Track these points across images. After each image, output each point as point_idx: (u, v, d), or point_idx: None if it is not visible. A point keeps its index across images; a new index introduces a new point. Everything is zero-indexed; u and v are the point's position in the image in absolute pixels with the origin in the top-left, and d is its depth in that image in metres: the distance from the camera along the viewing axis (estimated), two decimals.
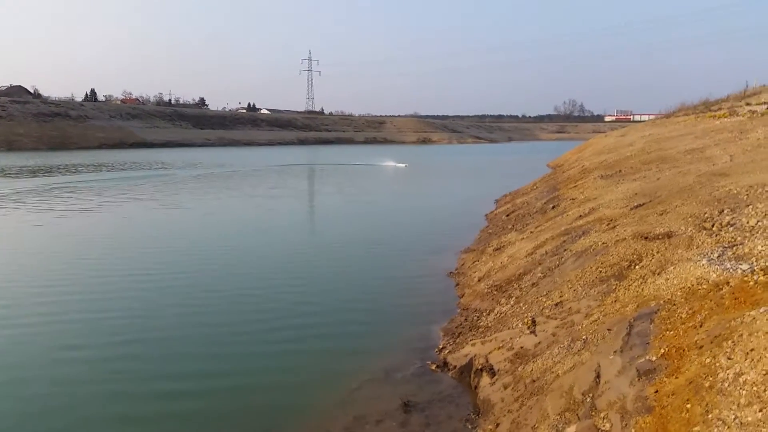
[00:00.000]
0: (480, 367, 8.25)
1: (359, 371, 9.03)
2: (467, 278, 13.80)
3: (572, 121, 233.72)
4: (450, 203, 30.60)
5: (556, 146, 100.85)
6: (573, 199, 17.89)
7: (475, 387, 8.09)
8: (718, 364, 4.73)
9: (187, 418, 7.86)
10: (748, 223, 8.67)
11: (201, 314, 11.84)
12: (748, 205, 9.67)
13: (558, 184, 25.01)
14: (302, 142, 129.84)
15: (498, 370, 7.91)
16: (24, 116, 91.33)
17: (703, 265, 7.18)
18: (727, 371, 4.57)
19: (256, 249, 18.34)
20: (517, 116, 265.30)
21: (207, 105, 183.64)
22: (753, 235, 8.00)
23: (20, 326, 11.04)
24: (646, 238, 9.56)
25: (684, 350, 5.33)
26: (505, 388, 7.34)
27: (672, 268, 7.66)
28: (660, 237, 9.36)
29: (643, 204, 12.69)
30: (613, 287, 8.23)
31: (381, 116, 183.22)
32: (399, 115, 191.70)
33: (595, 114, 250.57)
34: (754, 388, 4.22)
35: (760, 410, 4.00)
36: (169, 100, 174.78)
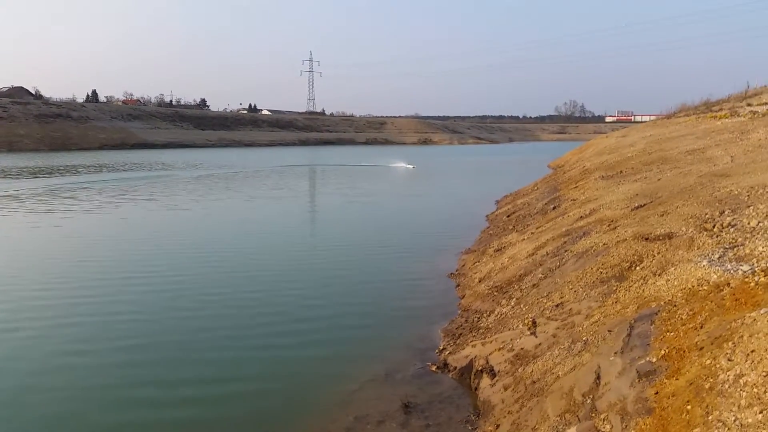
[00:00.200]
0: (480, 368, 8.25)
1: (359, 372, 9.03)
2: (468, 279, 13.79)
3: (573, 121, 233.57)
4: (451, 204, 30.60)
5: (556, 147, 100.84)
6: (574, 199, 17.88)
7: (476, 388, 8.08)
8: (718, 366, 4.72)
9: (188, 418, 7.86)
10: (749, 224, 8.65)
11: (201, 315, 11.83)
12: (749, 206, 9.66)
13: (559, 184, 25.00)
14: (303, 142, 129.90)
15: (498, 371, 7.90)
16: (25, 117, 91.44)
17: (703, 266, 7.17)
18: (728, 373, 4.56)
19: (257, 250, 18.33)
20: (518, 117, 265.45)
21: (208, 106, 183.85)
22: (754, 236, 7.99)
23: (17, 330, 10.97)
24: (646, 239, 9.55)
25: (684, 351, 5.32)
26: (506, 389, 7.33)
27: (673, 269, 7.65)
28: (661, 238, 9.35)
29: (644, 205, 12.68)
30: (614, 288, 8.22)
31: (382, 117, 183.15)
32: (400, 116, 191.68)
33: (596, 115, 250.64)
34: (755, 390, 4.21)
35: (761, 412, 3.99)
36: (171, 101, 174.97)
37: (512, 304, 10.22)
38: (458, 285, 13.71)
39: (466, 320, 10.77)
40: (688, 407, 4.49)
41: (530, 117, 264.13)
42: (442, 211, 27.95)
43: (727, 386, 4.43)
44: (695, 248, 8.29)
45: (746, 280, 6.25)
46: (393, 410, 7.74)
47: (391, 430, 7.30)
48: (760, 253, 7.01)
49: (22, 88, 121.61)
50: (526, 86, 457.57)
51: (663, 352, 5.53)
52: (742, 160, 15.12)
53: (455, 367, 8.81)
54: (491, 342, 8.80)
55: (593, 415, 5.45)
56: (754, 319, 5.10)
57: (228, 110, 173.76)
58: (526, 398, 6.72)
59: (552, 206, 18.84)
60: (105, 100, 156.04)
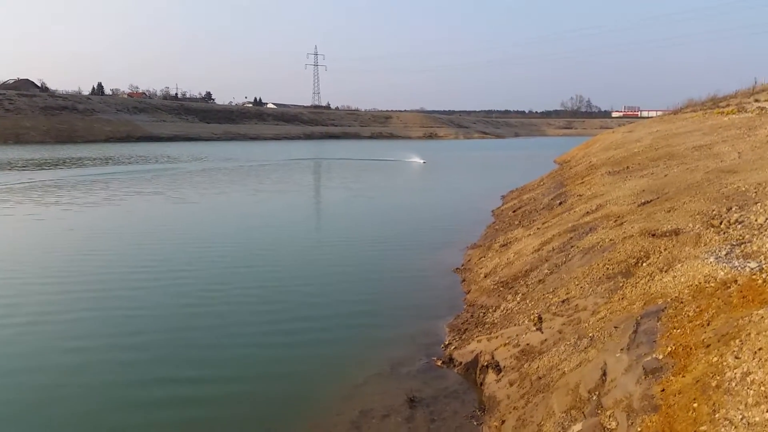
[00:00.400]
0: (486, 363, 8.26)
1: (365, 366, 9.06)
2: (473, 274, 13.79)
3: (579, 117, 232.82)
4: (456, 198, 30.58)
5: (562, 142, 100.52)
6: (580, 195, 17.84)
7: (481, 383, 8.09)
8: (725, 363, 4.71)
9: (193, 411, 7.90)
10: (756, 220, 8.62)
11: (206, 309, 11.87)
12: (756, 203, 9.62)
13: (565, 180, 24.94)
14: (308, 136, 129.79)
15: (504, 366, 7.91)
16: (32, 110, 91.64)
17: (710, 262, 7.16)
18: (735, 370, 4.55)
19: (262, 245, 18.36)
20: (523, 112, 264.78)
21: (213, 99, 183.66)
22: (761, 232, 7.96)
23: (20, 324, 10.98)
24: (653, 235, 9.52)
25: (691, 349, 5.31)
26: (511, 385, 7.34)
27: (679, 265, 7.63)
28: (667, 234, 9.32)
29: (651, 201, 12.64)
30: (620, 284, 8.21)
31: (387, 111, 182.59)
32: (405, 110, 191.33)
33: (603, 110, 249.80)
34: (762, 388, 4.21)
35: None
36: (176, 94, 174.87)
37: (518, 299, 10.22)
38: (464, 280, 13.71)
39: (471, 315, 10.77)
40: (695, 405, 4.49)
41: (536, 112, 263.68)
42: (448, 205, 27.92)
43: (734, 384, 4.42)
44: (702, 245, 8.27)
45: (754, 277, 6.24)
46: (398, 404, 7.76)
47: (397, 425, 7.33)
48: None
49: (28, 80, 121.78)
50: (532, 81, 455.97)
51: (669, 349, 5.53)
52: (750, 157, 15.06)
53: (461, 362, 8.82)
54: (497, 337, 8.80)
55: (599, 411, 5.45)
56: (762, 317, 5.08)
57: (233, 104, 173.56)
58: (531, 394, 6.72)
59: (558, 202, 18.81)
60: (111, 92, 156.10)
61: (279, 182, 38.24)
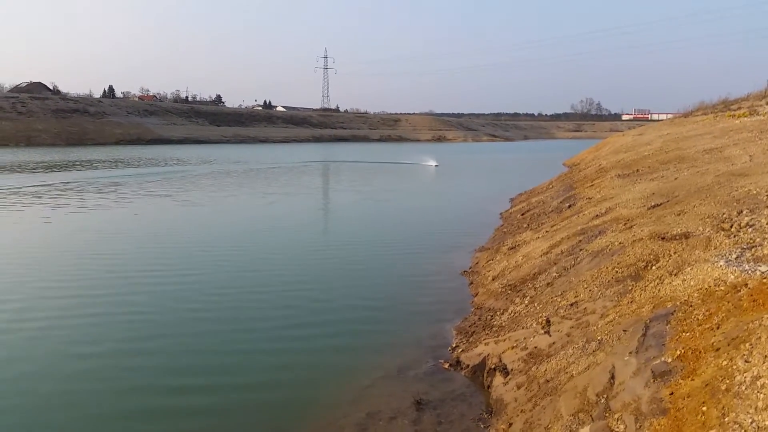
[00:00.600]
0: (493, 366, 8.22)
1: (372, 369, 9.04)
2: (481, 277, 13.75)
3: (589, 119, 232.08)
4: (465, 201, 30.54)
5: (572, 145, 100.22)
6: (589, 198, 17.76)
7: (488, 386, 8.06)
8: (735, 367, 4.67)
9: (200, 414, 7.91)
10: (767, 224, 8.55)
11: (214, 312, 11.89)
12: (767, 206, 9.54)
13: (574, 183, 24.85)
14: (317, 139, 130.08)
15: (511, 369, 7.87)
16: (43, 112, 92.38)
17: (720, 266, 7.10)
18: (745, 374, 4.51)
19: (270, 248, 18.40)
20: (533, 114, 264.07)
21: (223, 102, 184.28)
22: None
23: (31, 321, 11.08)
24: (663, 238, 9.46)
25: (700, 352, 5.27)
26: (519, 387, 7.30)
27: (689, 269, 7.58)
28: (677, 237, 9.26)
29: (661, 204, 12.56)
30: (629, 288, 8.16)
31: (396, 114, 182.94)
32: (414, 113, 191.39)
33: (613, 113, 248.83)
34: None
35: None
36: (186, 97, 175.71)
37: (526, 302, 10.18)
38: (471, 283, 13.67)
39: (479, 318, 10.74)
40: (704, 408, 4.45)
41: (546, 115, 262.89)
42: (456, 208, 27.90)
43: (743, 388, 4.38)
44: (712, 248, 8.20)
45: (764, 280, 6.18)
46: (405, 407, 7.74)
47: (403, 427, 7.31)
48: None
49: (40, 83, 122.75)
50: (542, 84, 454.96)
51: (678, 352, 5.48)
52: (761, 160, 14.94)
53: (468, 365, 8.79)
54: (504, 340, 8.77)
55: (607, 414, 5.41)
56: None
57: (243, 107, 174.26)
58: (539, 397, 6.69)
59: (567, 205, 18.73)
60: (121, 95, 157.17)
61: (288, 185, 38.33)
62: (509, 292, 11.41)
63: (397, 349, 9.85)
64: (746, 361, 4.66)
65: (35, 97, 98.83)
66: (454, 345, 9.81)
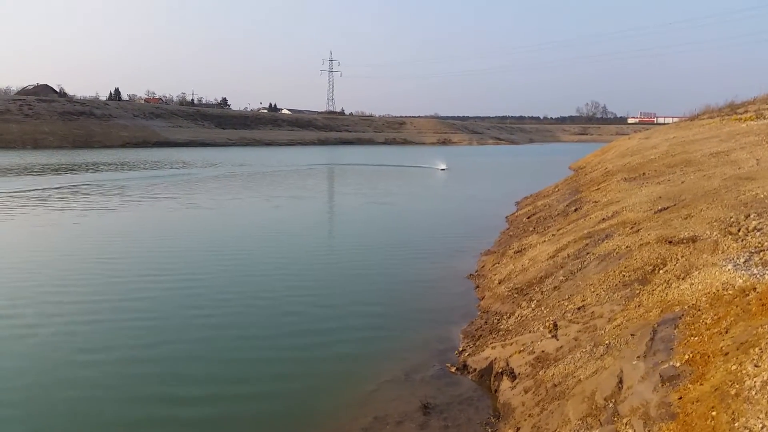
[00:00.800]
0: (500, 370, 8.21)
1: (378, 373, 9.03)
2: (487, 281, 13.74)
3: (595, 122, 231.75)
4: (470, 204, 30.52)
5: (578, 148, 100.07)
6: (596, 201, 17.73)
7: (495, 390, 8.05)
8: (744, 372, 4.65)
9: (205, 417, 7.92)
10: None
11: (219, 317, 11.84)
12: None
13: (580, 186, 24.81)
14: (323, 142, 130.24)
15: (519, 373, 7.86)
16: (50, 115, 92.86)
17: (728, 270, 7.08)
18: (754, 379, 4.49)
19: (275, 251, 18.42)
20: (538, 118, 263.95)
21: (229, 105, 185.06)
22: None
23: (34, 327, 11.02)
24: (670, 242, 9.44)
25: (709, 356, 5.25)
26: (526, 392, 7.29)
27: (697, 273, 7.56)
28: (685, 241, 9.23)
29: (668, 207, 12.53)
30: (637, 292, 8.14)
31: (401, 117, 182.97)
32: (419, 116, 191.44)
33: (618, 116, 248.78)
34: None
35: None
36: (192, 100, 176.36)
37: (533, 306, 10.16)
38: (477, 286, 13.66)
39: (485, 322, 10.73)
40: (713, 413, 4.43)
41: (551, 118, 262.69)
42: (462, 211, 27.88)
43: (753, 392, 4.36)
44: (720, 252, 8.18)
45: None
46: (412, 411, 7.74)
47: (410, 431, 7.30)
48: None
49: (47, 86, 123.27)
50: (547, 87, 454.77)
51: (687, 356, 5.47)
52: None
53: (475, 369, 8.78)
54: (511, 344, 8.75)
55: (615, 419, 5.40)
56: None
57: (248, 109, 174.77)
58: (546, 401, 6.68)
59: (573, 208, 18.71)
60: (128, 98, 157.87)
61: (293, 188, 38.36)
62: (516, 295, 11.39)
63: (403, 353, 9.84)
64: (756, 366, 4.64)
65: (42, 99, 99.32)
66: (460, 349, 9.80)
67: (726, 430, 4.18)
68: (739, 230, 8.90)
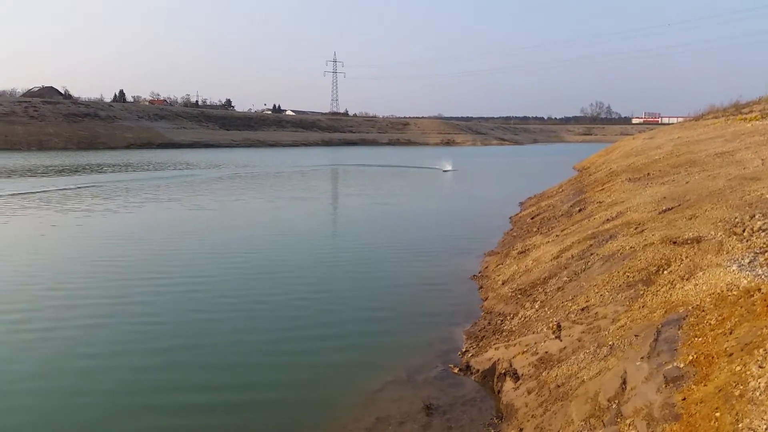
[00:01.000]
0: (503, 371, 8.19)
1: (381, 373, 9.02)
2: (491, 281, 13.71)
3: (599, 123, 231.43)
4: (474, 205, 30.48)
5: (582, 148, 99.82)
6: (600, 202, 17.68)
7: (499, 391, 8.03)
8: (749, 373, 4.62)
9: (209, 419, 7.91)
10: None
11: (222, 318, 11.85)
12: None
13: (584, 186, 24.75)
14: (327, 143, 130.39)
15: (522, 374, 7.84)
16: (55, 116, 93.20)
17: (733, 271, 7.04)
18: (759, 380, 4.47)
19: (279, 252, 18.41)
20: (542, 118, 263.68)
21: (233, 106, 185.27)
22: None
23: (37, 331, 10.97)
24: (674, 242, 9.40)
25: (713, 357, 5.22)
26: (529, 393, 7.27)
27: (701, 273, 7.52)
28: (689, 242, 9.19)
29: (672, 208, 12.49)
30: (641, 292, 8.11)
31: (405, 118, 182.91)
32: (423, 117, 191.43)
33: (623, 116, 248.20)
34: None
35: None
36: (196, 101, 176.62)
37: (536, 307, 10.13)
38: (481, 287, 13.63)
39: (489, 323, 10.70)
40: (717, 414, 4.41)
41: (555, 118, 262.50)
42: (465, 212, 27.85)
43: (758, 394, 4.34)
44: (724, 253, 8.14)
45: None
46: (415, 411, 7.72)
47: (413, 431, 7.29)
48: None
49: (51, 87, 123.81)
50: (551, 87, 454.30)
51: (691, 357, 5.44)
52: None
53: (478, 370, 8.76)
54: (515, 345, 8.73)
55: (619, 420, 5.38)
56: None
57: (252, 111, 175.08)
58: (550, 402, 6.65)
59: (577, 208, 18.66)
60: (132, 100, 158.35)
61: (297, 189, 38.39)
62: (519, 296, 11.36)
63: (406, 354, 9.83)
64: (760, 367, 4.61)
65: (47, 101, 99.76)
66: (463, 349, 9.78)
67: (730, 431, 4.16)
68: (744, 231, 8.87)
